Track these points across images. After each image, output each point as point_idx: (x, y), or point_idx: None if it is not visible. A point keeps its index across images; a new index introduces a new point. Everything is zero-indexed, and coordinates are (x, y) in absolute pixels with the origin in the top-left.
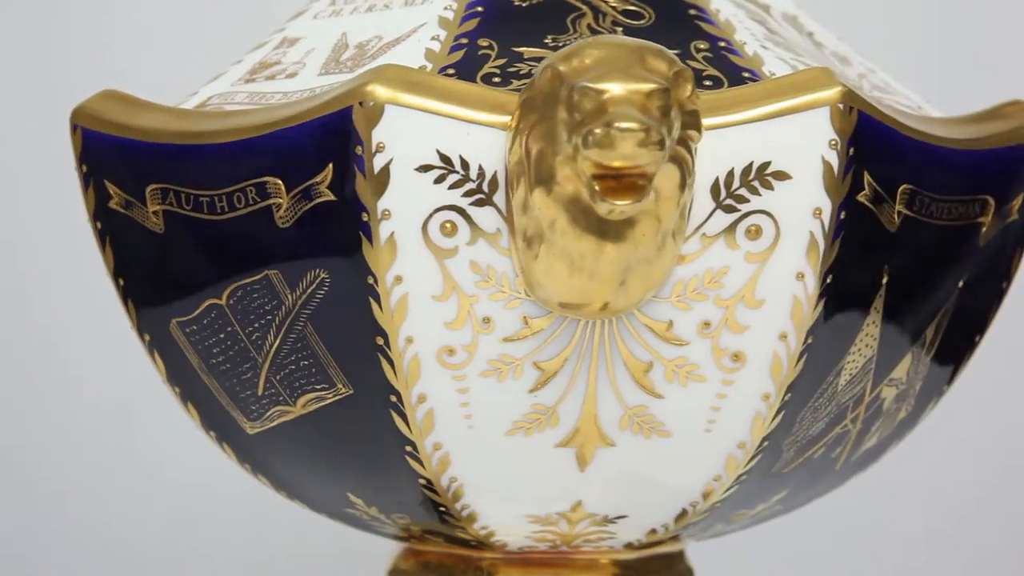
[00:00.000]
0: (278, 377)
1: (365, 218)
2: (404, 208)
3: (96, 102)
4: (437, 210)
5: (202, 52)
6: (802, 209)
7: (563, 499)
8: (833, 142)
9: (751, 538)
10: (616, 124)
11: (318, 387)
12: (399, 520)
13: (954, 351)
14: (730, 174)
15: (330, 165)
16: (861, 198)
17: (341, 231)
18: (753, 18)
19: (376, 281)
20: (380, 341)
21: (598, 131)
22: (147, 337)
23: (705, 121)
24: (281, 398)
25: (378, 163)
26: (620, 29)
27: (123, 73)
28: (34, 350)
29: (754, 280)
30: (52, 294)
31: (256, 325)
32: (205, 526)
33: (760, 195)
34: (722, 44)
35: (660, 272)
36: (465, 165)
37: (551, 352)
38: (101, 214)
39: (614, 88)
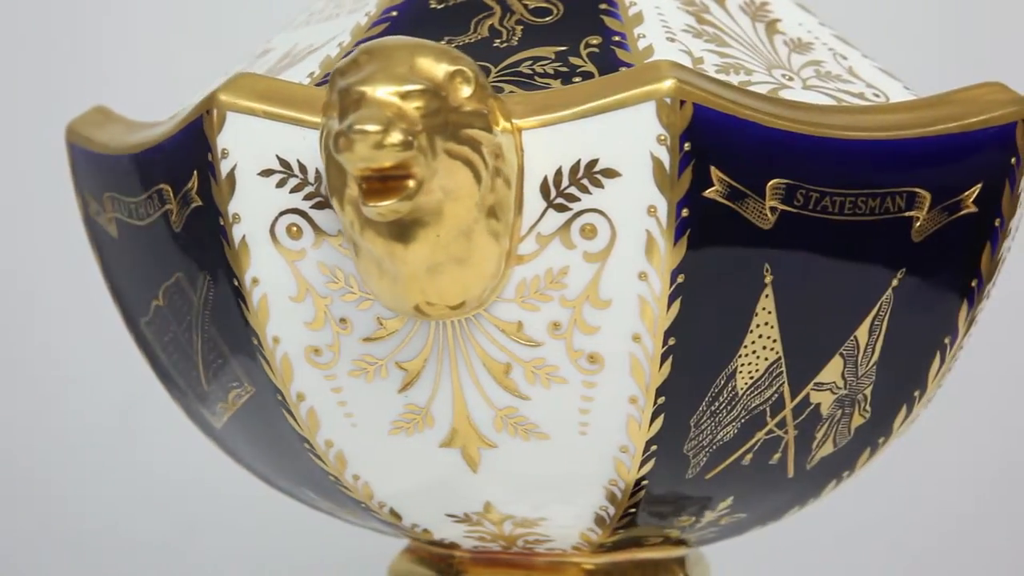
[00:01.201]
0: (209, 374)
1: (222, 222)
2: (252, 212)
3: (83, 117)
4: (282, 213)
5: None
6: (635, 207)
7: (470, 500)
8: (661, 137)
9: (750, 539)
10: (354, 127)
11: (235, 385)
12: (349, 517)
13: (913, 353)
14: (558, 172)
15: (195, 172)
16: (711, 195)
17: (209, 235)
18: (685, 9)
19: (239, 283)
20: (255, 341)
21: (340, 134)
22: (132, 336)
23: (533, 119)
24: (219, 394)
25: (224, 169)
26: (521, 28)
27: (121, 83)
28: (36, 352)
29: (596, 280)
30: (53, 296)
31: (184, 325)
32: (206, 527)
33: (591, 193)
34: (616, 38)
35: (478, 273)
36: (303, 169)
37: (411, 352)
38: (86, 222)
39: (363, 90)
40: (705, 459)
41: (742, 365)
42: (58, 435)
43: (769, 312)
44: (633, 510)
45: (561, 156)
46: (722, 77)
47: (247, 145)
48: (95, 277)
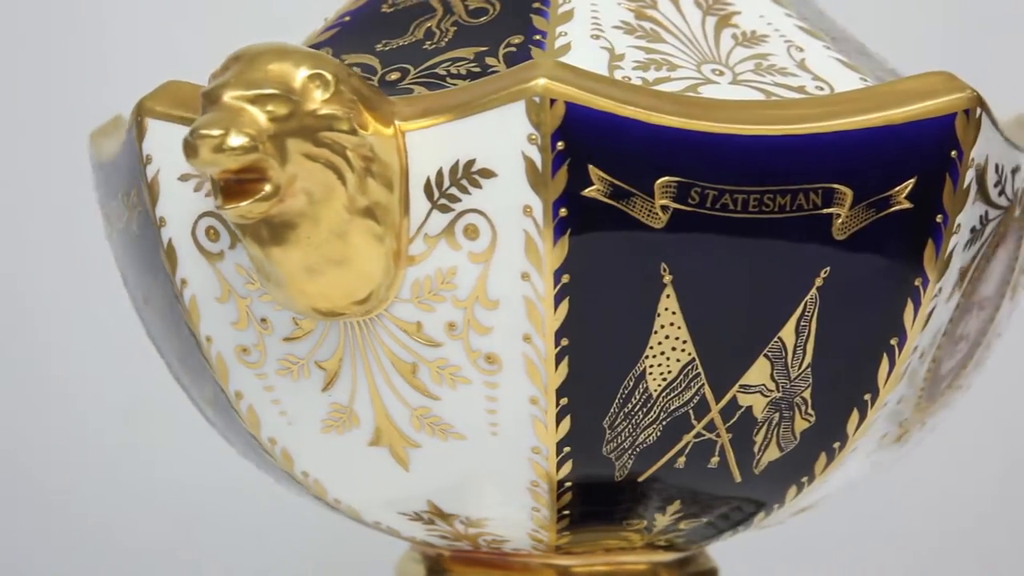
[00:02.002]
0: (187, 373)
1: (155, 225)
2: (174, 215)
3: (100, 128)
4: (201, 216)
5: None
6: (511, 207)
7: (414, 499)
8: (532, 136)
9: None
10: (197, 130)
11: (205, 384)
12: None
13: (854, 356)
14: (440, 173)
15: (133, 177)
16: (591, 194)
17: (151, 238)
18: (627, 5)
19: (172, 284)
20: (194, 340)
21: (186, 138)
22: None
23: (416, 121)
24: (196, 392)
25: (150, 174)
26: (455, 30)
27: (122, 82)
28: (37, 351)
29: (483, 280)
30: (54, 296)
31: (166, 324)
32: (208, 527)
33: (471, 194)
34: (536, 37)
35: (361, 274)
36: None
37: (327, 352)
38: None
39: (217, 94)
40: (631, 461)
41: (651, 367)
42: (59, 436)
43: (673, 313)
44: (567, 511)
45: (442, 157)
46: (639, 74)
47: (167, 151)
48: (96, 277)
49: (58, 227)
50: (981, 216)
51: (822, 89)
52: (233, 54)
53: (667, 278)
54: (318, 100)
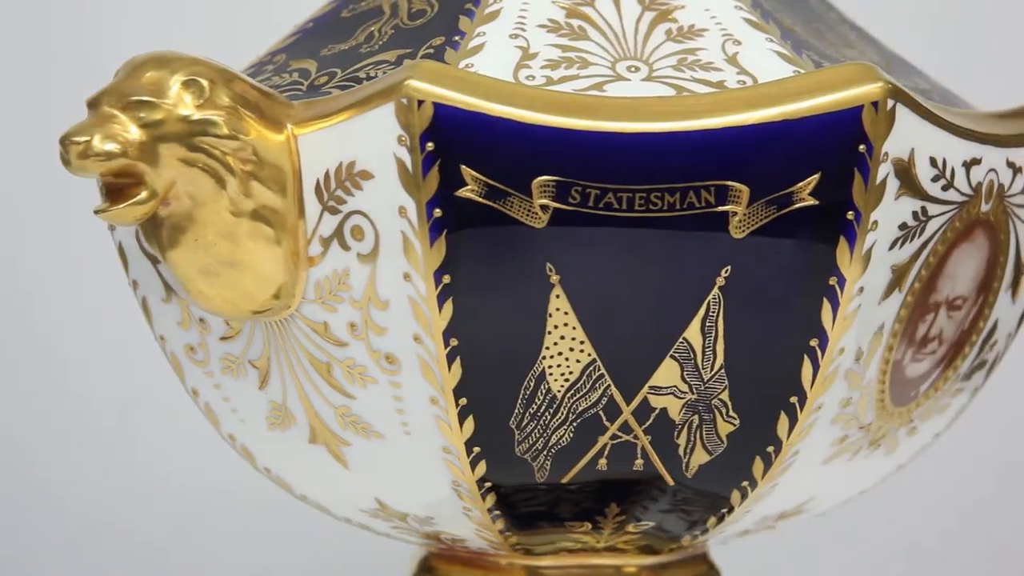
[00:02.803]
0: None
1: (110, 227)
2: None
3: None
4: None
5: None
6: (388, 209)
7: (364, 496)
8: (402, 138)
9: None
10: (66, 137)
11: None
12: None
13: (772, 357)
14: (327, 175)
15: None
16: (466, 194)
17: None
18: (561, 4)
19: (130, 284)
20: (155, 339)
21: (58, 144)
22: None
23: (306, 124)
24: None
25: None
26: (392, 32)
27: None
28: (35, 350)
29: (373, 281)
30: (53, 293)
31: None
32: (207, 526)
33: (354, 196)
34: (456, 39)
35: (259, 276)
36: None
37: (256, 351)
38: None
39: (94, 102)
40: (549, 463)
41: (551, 367)
42: (57, 434)
43: (565, 313)
44: (499, 512)
45: (329, 159)
46: (546, 73)
47: None
48: (96, 276)
49: (58, 226)
50: (916, 212)
51: (743, 83)
52: (124, 62)
53: (554, 278)
54: (191, 106)
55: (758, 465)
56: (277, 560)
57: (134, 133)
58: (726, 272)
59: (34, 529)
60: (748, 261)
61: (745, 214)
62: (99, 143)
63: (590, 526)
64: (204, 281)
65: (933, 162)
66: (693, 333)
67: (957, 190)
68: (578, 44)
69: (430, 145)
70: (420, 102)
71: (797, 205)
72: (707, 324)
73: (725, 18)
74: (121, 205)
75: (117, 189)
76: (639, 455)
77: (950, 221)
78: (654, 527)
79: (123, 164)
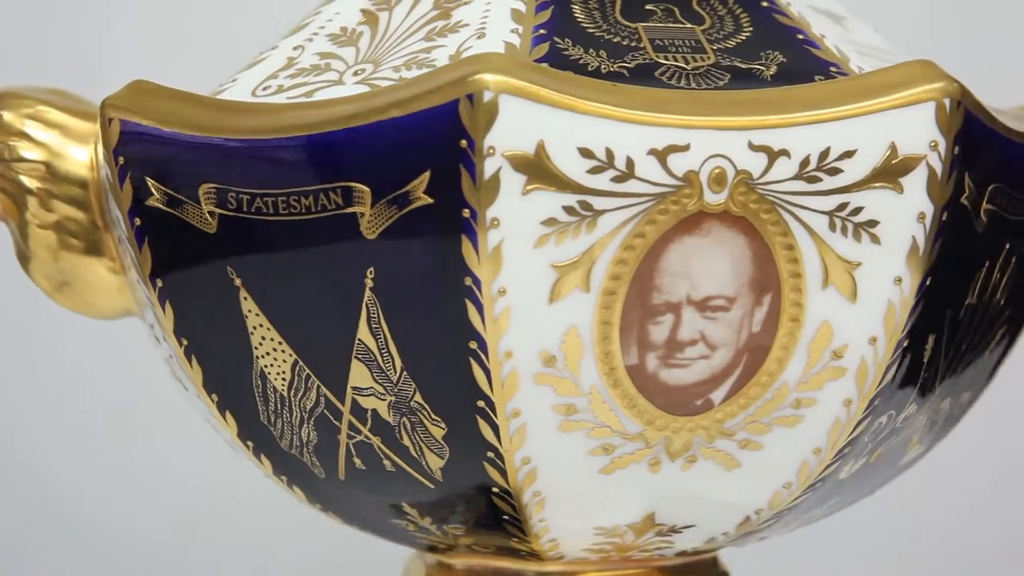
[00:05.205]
0: None
1: None
2: None
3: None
4: None
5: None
6: (117, 217)
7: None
8: (104, 153)
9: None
10: None
11: None
12: None
13: (451, 359)
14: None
15: None
16: (153, 203)
17: None
18: (363, 7)
19: None
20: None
21: None
22: None
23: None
24: None
25: None
26: None
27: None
28: (36, 351)
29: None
30: None
31: None
32: (206, 527)
33: (109, 207)
34: (258, 53)
35: (99, 287)
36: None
37: None
38: None
39: None
40: (317, 460)
41: (267, 366)
42: (57, 434)
43: (257, 315)
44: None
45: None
46: (286, 82)
47: None
48: None
49: None
50: (570, 207)
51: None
52: None
53: (237, 281)
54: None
55: (494, 472)
56: (277, 560)
57: None
58: (371, 273)
59: (34, 529)
60: (387, 262)
61: (372, 215)
62: None
63: (436, 525)
64: (60, 295)
65: (587, 153)
66: (365, 335)
67: (645, 180)
68: (338, 51)
69: (121, 159)
70: (111, 120)
71: (415, 204)
72: (373, 325)
73: (496, 13)
74: None
75: None
76: (381, 455)
77: (643, 215)
78: (474, 527)
79: None
